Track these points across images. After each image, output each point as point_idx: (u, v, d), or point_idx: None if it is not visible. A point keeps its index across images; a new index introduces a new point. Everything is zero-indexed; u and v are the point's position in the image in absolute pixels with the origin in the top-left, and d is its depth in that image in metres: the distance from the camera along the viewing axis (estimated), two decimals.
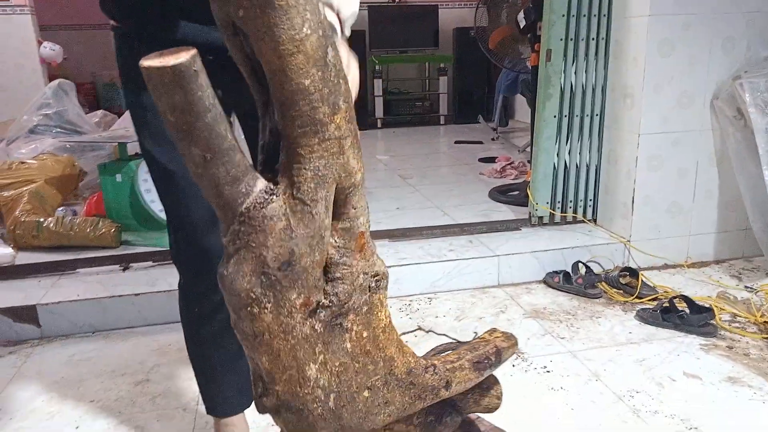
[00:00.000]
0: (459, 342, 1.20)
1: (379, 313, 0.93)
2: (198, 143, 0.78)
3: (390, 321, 0.96)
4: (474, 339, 1.17)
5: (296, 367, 0.85)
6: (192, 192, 1.10)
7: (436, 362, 1.02)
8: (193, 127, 0.78)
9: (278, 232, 0.81)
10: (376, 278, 0.91)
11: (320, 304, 0.85)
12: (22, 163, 2.65)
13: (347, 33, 0.98)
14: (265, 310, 0.82)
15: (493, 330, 1.18)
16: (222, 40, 0.99)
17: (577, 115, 2.39)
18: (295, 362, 0.85)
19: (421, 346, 1.79)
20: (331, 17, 0.93)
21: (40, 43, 4.97)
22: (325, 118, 0.77)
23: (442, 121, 5.68)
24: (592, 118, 2.39)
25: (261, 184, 0.81)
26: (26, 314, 1.88)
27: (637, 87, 2.21)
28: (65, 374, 1.70)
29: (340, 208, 0.86)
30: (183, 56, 0.74)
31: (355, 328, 0.89)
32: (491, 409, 1.22)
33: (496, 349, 1.10)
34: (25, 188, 2.50)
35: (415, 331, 1.44)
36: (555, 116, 2.37)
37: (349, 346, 0.89)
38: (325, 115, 0.77)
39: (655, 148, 2.23)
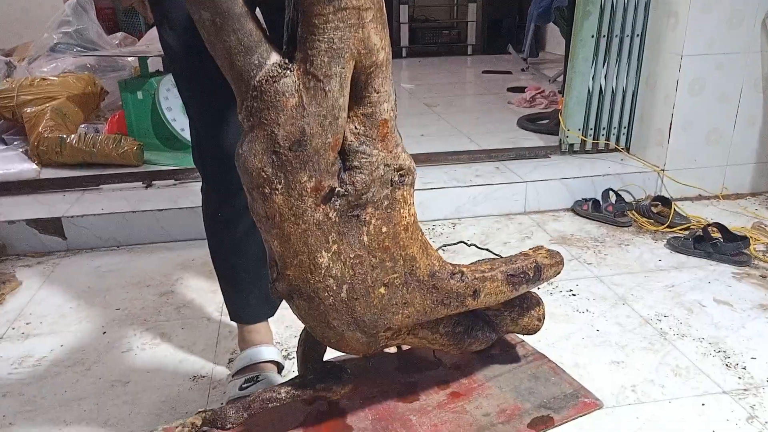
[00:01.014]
0: (498, 256, 1.16)
1: (402, 210, 0.89)
2: (206, 5, 0.73)
3: (415, 220, 0.92)
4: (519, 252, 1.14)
5: (307, 252, 0.83)
6: (216, 90, 1.05)
7: (464, 269, 0.99)
8: None
9: (290, 109, 0.76)
10: (399, 172, 0.86)
11: (335, 191, 0.81)
12: (44, 79, 2.62)
13: None
14: (276, 191, 0.79)
15: (539, 247, 1.14)
16: None
17: (616, 35, 2.25)
18: (306, 248, 0.83)
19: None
20: None
21: None
22: None
23: (469, 51, 5.48)
24: (632, 38, 2.26)
25: (275, 57, 0.76)
26: (51, 226, 1.89)
27: (684, 4, 2.06)
28: (92, 284, 1.72)
29: (361, 90, 0.80)
30: None
31: (373, 221, 0.86)
32: (530, 331, 1.18)
33: (535, 264, 1.06)
34: (47, 105, 2.48)
35: (457, 243, 1.41)
36: (593, 36, 2.24)
37: (366, 239, 0.86)
38: None
39: (697, 71, 2.11)
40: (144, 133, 2.42)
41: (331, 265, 0.85)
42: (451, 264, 0.98)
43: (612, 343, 1.39)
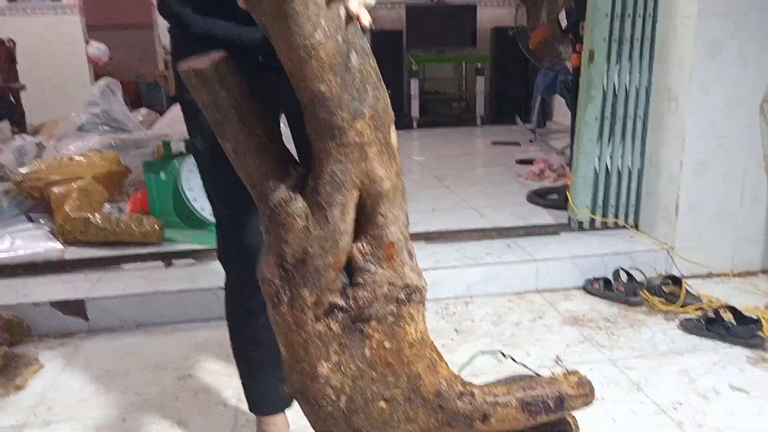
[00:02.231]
0: (536, 375, 1.11)
1: (408, 327, 0.91)
2: (227, 138, 0.83)
3: (423, 337, 0.94)
4: (548, 376, 1.05)
5: (308, 361, 0.87)
6: (238, 192, 1.12)
7: (475, 390, 0.97)
8: (221, 123, 0.84)
9: (297, 230, 0.83)
10: (406, 290, 0.90)
11: (337, 305, 0.86)
12: (71, 159, 2.74)
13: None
14: (283, 302, 0.85)
15: (573, 372, 1.05)
16: (262, 39, 1.02)
17: (619, 118, 2.34)
18: (307, 356, 0.87)
19: (457, 349, 1.79)
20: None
21: (87, 42, 5.13)
22: (344, 124, 0.78)
23: (478, 122, 5.63)
24: (635, 120, 2.34)
25: (290, 182, 0.84)
26: (74, 308, 1.95)
27: (683, 89, 2.15)
28: (111, 367, 1.75)
29: (368, 214, 0.86)
30: (206, 61, 0.80)
31: (376, 336, 0.89)
32: None
33: (558, 395, 0.99)
34: (73, 184, 2.59)
35: (494, 353, 1.23)
36: (597, 118, 2.33)
37: (368, 352, 0.89)
38: (343, 120, 0.78)
39: (700, 152, 2.18)
40: (165, 212, 2.51)
41: (331, 375, 0.89)
42: (461, 384, 0.96)
43: None
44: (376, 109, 0.82)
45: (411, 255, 0.93)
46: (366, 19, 0.80)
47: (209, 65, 0.79)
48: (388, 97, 0.84)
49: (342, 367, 0.89)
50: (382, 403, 0.93)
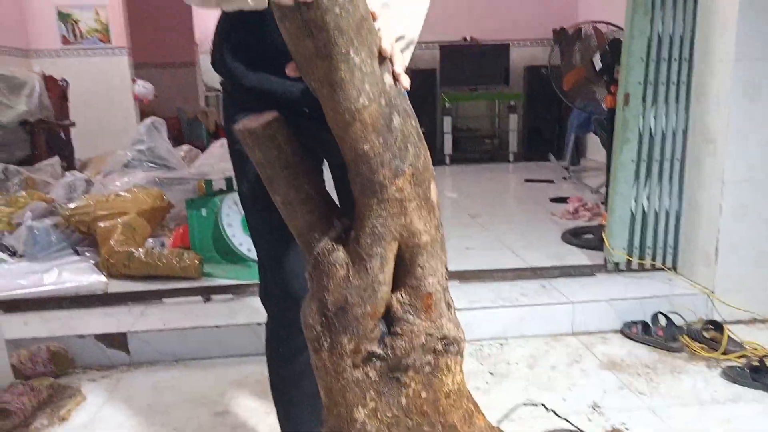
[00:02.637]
0: (578, 430, 1.10)
1: (445, 377, 0.93)
2: (278, 192, 0.88)
3: (460, 388, 0.95)
4: None
5: (345, 406, 0.89)
6: (283, 238, 1.17)
7: None
8: (272, 179, 0.89)
9: (339, 278, 0.86)
10: (444, 341, 0.92)
11: (375, 354, 0.88)
12: (117, 195, 2.85)
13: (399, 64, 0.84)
14: (323, 348, 0.88)
15: (616, 430, 1.06)
16: (307, 93, 1.08)
17: (656, 160, 2.33)
18: (344, 401, 0.89)
19: (492, 391, 1.78)
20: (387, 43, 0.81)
21: (134, 81, 5.37)
22: (385, 181, 0.82)
23: (511, 159, 5.65)
24: (672, 163, 2.33)
25: (333, 233, 0.88)
26: (117, 341, 2.01)
27: (721, 132, 2.14)
28: (151, 401, 1.79)
29: (407, 265, 0.89)
30: (258, 122, 0.86)
31: (413, 385, 0.91)
32: None
33: None
34: (119, 219, 2.69)
35: (537, 406, 1.14)
36: (633, 161, 2.33)
37: (404, 401, 0.91)
38: (385, 177, 0.82)
39: (740, 196, 2.15)
40: (205, 247, 2.58)
41: (367, 421, 0.91)
42: None
43: None
44: (417, 166, 0.85)
45: (449, 306, 0.95)
46: (406, 82, 0.84)
47: (262, 125, 0.85)
48: (428, 154, 0.88)
49: (378, 414, 0.91)
50: None
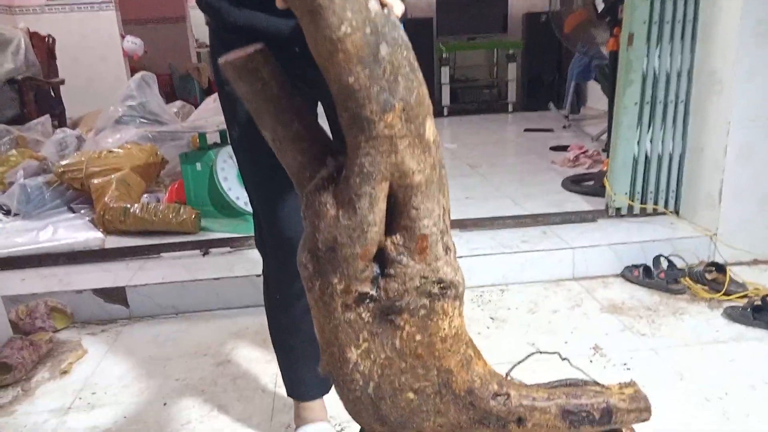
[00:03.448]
0: (594, 383, 1.06)
1: (441, 322, 0.90)
2: (266, 128, 0.84)
3: (457, 333, 0.92)
4: (601, 386, 0.98)
5: (338, 346, 0.88)
6: (275, 182, 1.13)
7: (512, 391, 0.94)
8: (259, 113, 0.85)
9: (329, 218, 0.83)
10: (440, 285, 0.89)
11: (368, 295, 0.86)
12: (110, 151, 2.80)
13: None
14: (315, 287, 0.86)
15: (630, 384, 0.98)
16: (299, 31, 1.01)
17: (659, 102, 2.27)
18: (336, 341, 0.88)
19: (492, 337, 1.78)
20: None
21: (123, 37, 5.23)
22: (373, 116, 0.77)
23: (510, 109, 5.56)
24: (676, 105, 2.27)
25: (324, 172, 0.84)
26: (116, 295, 1.99)
27: (728, 72, 2.08)
28: (152, 353, 1.79)
29: (401, 206, 0.86)
30: (243, 54, 0.81)
31: (407, 328, 0.88)
32: None
33: (605, 406, 0.93)
34: (113, 176, 2.65)
35: (553, 353, 1.07)
36: (636, 103, 2.27)
37: (398, 343, 0.89)
38: (372, 113, 0.77)
39: (746, 137, 2.10)
40: (201, 202, 2.55)
41: (359, 361, 0.90)
42: (498, 383, 0.94)
43: (672, 422, 1.35)
44: (408, 101, 0.80)
45: (448, 250, 0.92)
46: (399, 9, 0.79)
47: (245, 57, 0.80)
48: (425, 88, 0.83)
49: (371, 355, 0.90)
50: (411, 394, 0.92)
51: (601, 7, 2.75)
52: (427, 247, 0.89)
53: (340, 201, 0.83)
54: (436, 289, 0.89)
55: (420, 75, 0.83)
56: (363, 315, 0.88)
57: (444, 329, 0.91)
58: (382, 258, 0.89)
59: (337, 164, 0.87)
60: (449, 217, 0.93)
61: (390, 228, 0.88)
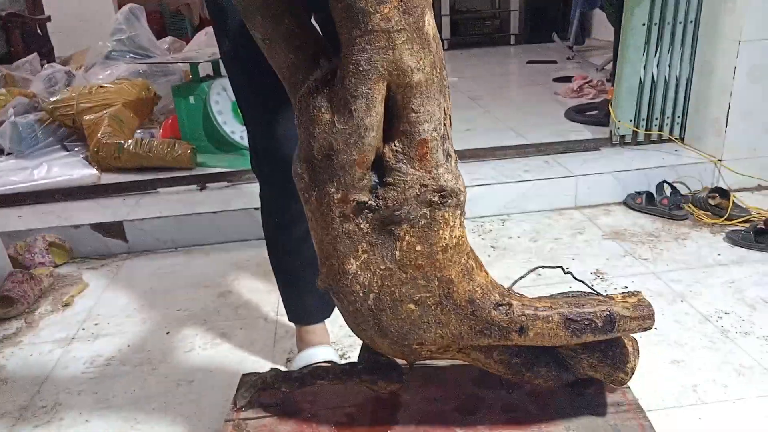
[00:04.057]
0: (596, 293, 1.03)
1: (441, 231, 0.87)
2: (256, 27, 0.79)
3: (458, 242, 0.89)
4: (605, 295, 0.97)
5: (336, 257, 0.86)
6: (270, 100, 1.09)
7: (514, 302, 0.92)
8: (249, 11, 0.80)
9: (324, 123, 0.80)
10: (441, 193, 0.86)
11: (366, 204, 0.83)
12: (101, 87, 2.73)
13: None
14: (312, 197, 0.84)
15: (634, 293, 0.96)
16: None
17: (668, 23, 2.18)
18: (335, 253, 0.86)
19: (494, 265, 1.77)
20: None
21: None
22: (368, 7, 0.72)
23: (512, 41, 5.39)
24: (685, 25, 2.18)
25: (318, 73, 0.79)
26: (114, 230, 1.98)
27: None
28: (153, 285, 1.79)
29: (399, 109, 0.81)
30: None
31: (407, 238, 0.86)
32: (614, 382, 1.01)
33: (608, 314, 0.92)
34: (104, 111, 2.58)
35: (555, 268, 1.05)
36: (644, 24, 2.18)
37: (398, 254, 0.87)
38: (368, 3, 0.72)
39: (756, 57, 2.02)
40: (196, 137, 2.50)
41: (359, 272, 0.88)
42: (499, 293, 0.92)
43: (671, 341, 1.36)
44: None
45: (449, 156, 0.88)
46: None
47: None
48: None
49: (371, 266, 0.87)
50: (411, 305, 0.91)
51: None
52: (428, 153, 0.85)
53: (335, 104, 0.79)
54: (436, 198, 0.86)
55: None
56: (362, 225, 0.86)
57: (445, 239, 0.89)
58: (380, 166, 0.86)
59: (331, 66, 0.82)
60: (450, 122, 0.89)
61: (388, 134, 0.84)
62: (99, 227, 1.97)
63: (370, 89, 0.77)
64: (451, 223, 0.89)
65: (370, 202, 0.83)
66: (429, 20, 0.79)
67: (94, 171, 2.39)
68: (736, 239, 1.78)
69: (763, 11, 1.97)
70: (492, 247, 1.89)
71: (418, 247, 0.87)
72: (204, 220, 2.02)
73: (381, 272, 0.87)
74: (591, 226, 1.98)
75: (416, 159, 0.84)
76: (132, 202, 2.15)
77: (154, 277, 1.84)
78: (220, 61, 1.19)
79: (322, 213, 0.84)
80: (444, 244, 0.89)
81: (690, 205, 1.99)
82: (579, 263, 1.74)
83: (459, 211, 0.90)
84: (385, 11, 0.73)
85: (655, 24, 2.19)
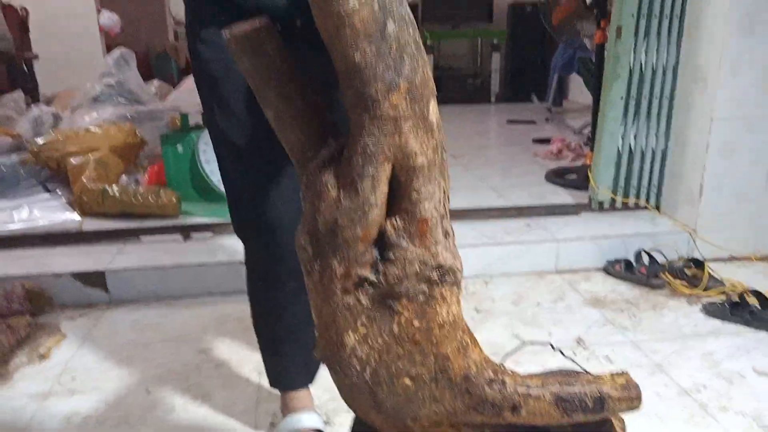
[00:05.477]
0: (586, 373, 1.06)
1: (439, 308, 0.90)
2: (268, 105, 0.83)
3: (455, 319, 0.91)
4: (594, 375, 0.99)
5: (336, 330, 0.87)
6: (257, 161, 1.09)
7: (507, 379, 0.93)
8: (262, 89, 0.83)
9: (330, 199, 0.82)
10: (438, 270, 0.88)
11: (367, 279, 0.85)
12: (88, 130, 2.72)
13: None
14: (314, 270, 0.85)
15: (622, 374, 0.98)
16: (288, 7, 1.00)
17: (645, 97, 2.29)
18: (335, 325, 0.87)
19: (477, 329, 1.79)
20: None
21: (99, 11, 5.08)
22: (378, 96, 0.76)
23: (493, 99, 5.57)
24: (660, 100, 2.30)
25: (326, 152, 0.83)
26: (95, 279, 1.95)
27: (712, 69, 2.10)
28: (133, 338, 1.76)
29: (402, 188, 0.84)
30: (246, 28, 0.79)
31: (405, 313, 0.88)
32: None
33: (598, 395, 0.93)
34: (90, 156, 2.58)
35: (544, 344, 1.07)
36: (622, 98, 2.29)
37: (396, 328, 0.88)
38: (378, 92, 0.76)
39: (728, 134, 2.13)
40: (182, 185, 2.50)
41: (357, 346, 0.89)
42: (493, 370, 0.94)
43: (652, 414, 1.38)
44: (413, 81, 0.79)
45: (447, 234, 0.91)
46: None
47: (250, 30, 0.78)
48: (428, 68, 0.82)
49: (369, 340, 0.89)
50: (407, 380, 0.92)
51: None
52: (428, 232, 0.88)
53: (342, 181, 0.82)
54: (435, 275, 0.88)
55: (424, 55, 0.82)
56: (362, 300, 0.87)
57: (442, 315, 0.91)
58: (381, 242, 0.88)
59: (339, 144, 0.85)
60: (449, 202, 0.93)
61: (390, 210, 0.87)
62: (80, 276, 1.94)
63: (377, 170, 0.80)
64: (449, 300, 0.91)
65: (371, 277, 0.85)
66: (433, 108, 0.83)
67: (76, 215, 2.36)
68: (712, 311, 1.83)
69: (732, 91, 2.09)
70: (476, 310, 1.91)
71: (415, 323, 0.89)
72: (187, 272, 2.01)
73: (379, 346, 0.89)
74: (572, 291, 2.02)
75: (416, 236, 0.87)
76: (114, 250, 2.13)
77: (134, 330, 1.81)
78: (204, 123, 1.20)
79: (323, 286, 0.86)
80: (441, 321, 0.91)
81: (667, 274, 2.05)
82: (561, 330, 1.77)
83: (456, 288, 0.92)
84: (394, 100, 0.77)
85: (633, 98, 2.30)
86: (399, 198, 0.86)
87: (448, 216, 0.94)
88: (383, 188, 0.84)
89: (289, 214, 1.09)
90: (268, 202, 1.11)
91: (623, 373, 1.00)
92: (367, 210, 0.83)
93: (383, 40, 0.74)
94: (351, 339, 0.88)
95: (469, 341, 0.96)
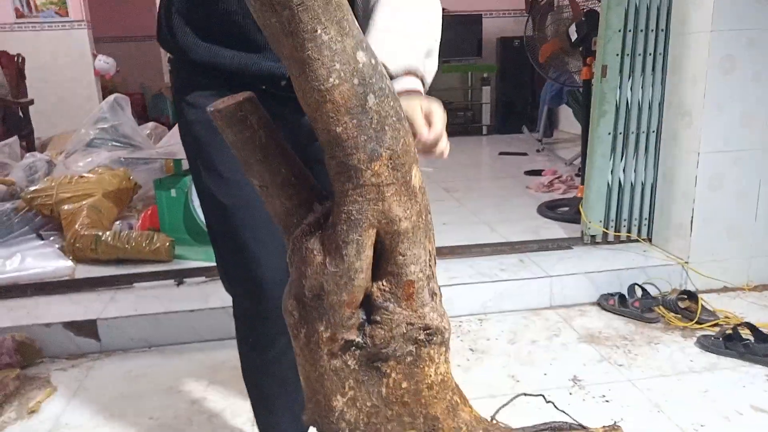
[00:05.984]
0: (579, 426, 1.07)
1: (427, 369, 0.90)
2: (254, 175, 0.84)
3: (444, 379, 0.91)
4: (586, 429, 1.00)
5: (323, 394, 0.87)
6: (238, 224, 1.10)
7: None
8: (247, 161, 0.85)
9: (316, 265, 0.83)
10: (426, 331, 0.89)
11: (354, 342, 0.85)
12: (81, 177, 2.74)
13: (405, 86, 0.96)
14: (300, 335, 0.86)
15: (615, 428, 1.00)
16: (273, 69, 1.02)
17: (632, 132, 2.33)
18: (322, 389, 0.87)
19: (473, 369, 1.78)
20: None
21: (95, 56, 5.15)
22: (360, 165, 0.77)
23: (484, 132, 5.63)
24: (648, 135, 2.33)
25: (311, 218, 0.84)
26: (87, 328, 1.94)
27: (697, 105, 2.14)
28: (124, 390, 1.74)
29: (387, 252, 0.85)
30: (229, 102, 0.81)
31: (393, 375, 0.88)
32: None
33: None
34: (84, 202, 2.58)
35: (537, 396, 1.09)
36: (609, 133, 2.32)
37: (384, 390, 0.88)
38: (360, 161, 0.77)
39: (715, 167, 2.16)
40: (176, 229, 2.50)
41: (345, 410, 0.89)
42: (484, 429, 0.94)
43: None
44: (395, 149, 0.81)
45: (434, 295, 0.92)
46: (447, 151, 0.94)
47: (234, 105, 0.80)
48: (410, 137, 0.83)
49: (357, 403, 0.89)
50: None
51: (574, 37, 2.81)
52: (414, 293, 0.88)
53: (327, 248, 0.83)
54: (422, 336, 0.89)
55: (406, 124, 0.84)
56: (349, 362, 0.87)
57: (430, 376, 0.90)
58: (368, 304, 0.89)
59: (324, 210, 0.86)
60: (435, 263, 0.93)
61: (376, 274, 0.88)
62: (71, 326, 1.93)
63: (361, 236, 0.81)
64: (437, 360, 0.91)
65: (357, 340, 0.85)
66: (416, 173, 0.85)
67: (69, 263, 2.36)
68: (706, 345, 1.82)
69: (717, 126, 2.12)
70: (470, 349, 1.89)
71: (404, 384, 0.88)
72: (180, 319, 2.00)
73: (367, 409, 0.88)
74: (567, 327, 2.01)
75: (403, 299, 0.87)
76: (107, 297, 2.12)
77: (125, 381, 1.79)
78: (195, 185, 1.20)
79: (310, 350, 0.86)
80: (429, 381, 0.90)
81: (661, 307, 2.05)
82: (557, 368, 1.75)
83: (444, 348, 0.92)
84: (376, 168, 0.78)
85: (620, 133, 2.33)
86: (385, 261, 0.87)
87: (435, 277, 0.94)
88: (368, 253, 0.84)
89: (278, 273, 1.08)
90: (256, 262, 1.11)
91: (615, 427, 1.00)
92: (352, 276, 0.84)
93: (364, 114, 0.76)
94: (339, 402, 0.88)
95: (458, 400, 0.96)
